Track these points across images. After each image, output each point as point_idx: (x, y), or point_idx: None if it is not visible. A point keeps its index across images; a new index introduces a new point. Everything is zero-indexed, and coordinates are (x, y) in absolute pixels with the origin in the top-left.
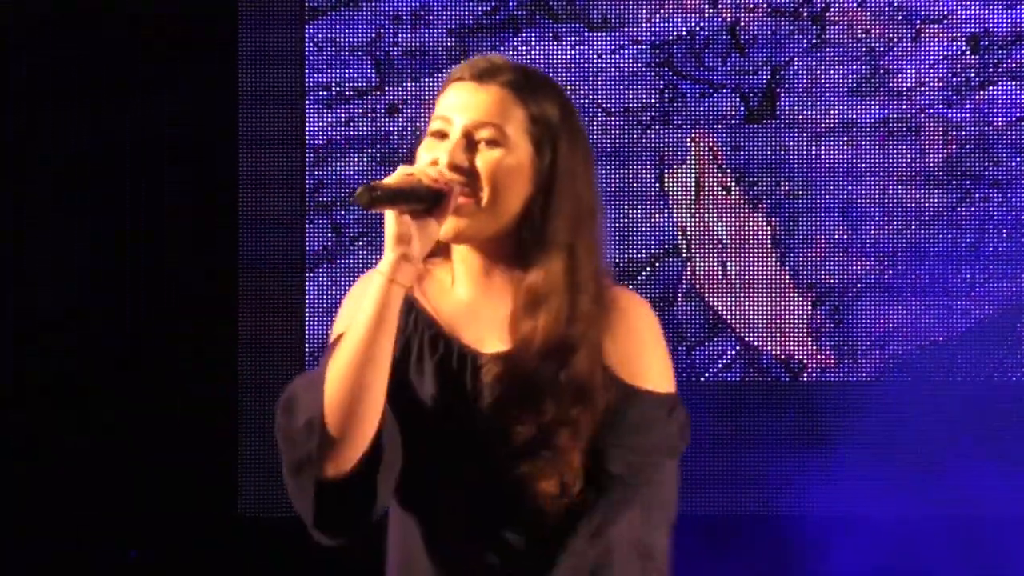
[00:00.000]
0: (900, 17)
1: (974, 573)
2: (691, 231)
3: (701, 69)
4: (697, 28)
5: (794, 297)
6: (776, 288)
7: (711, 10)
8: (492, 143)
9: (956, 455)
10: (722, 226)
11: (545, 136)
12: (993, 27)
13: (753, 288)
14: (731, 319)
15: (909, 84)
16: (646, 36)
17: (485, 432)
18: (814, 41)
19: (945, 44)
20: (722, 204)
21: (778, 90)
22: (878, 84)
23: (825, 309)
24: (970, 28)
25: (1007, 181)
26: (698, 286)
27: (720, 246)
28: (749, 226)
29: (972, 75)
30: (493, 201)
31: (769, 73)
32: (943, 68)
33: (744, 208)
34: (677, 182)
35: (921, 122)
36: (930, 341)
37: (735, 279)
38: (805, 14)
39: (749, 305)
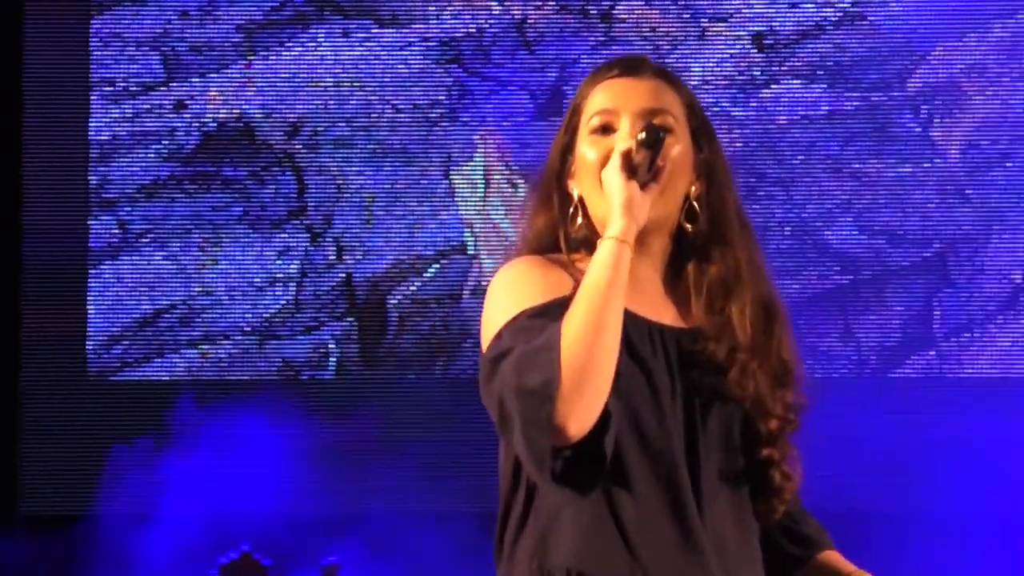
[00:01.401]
0: (687, 15)
1: None
2: (479, 228)
3: (489, 66)
4: (486, 25)
5: None
6: None
7: (499, 8)
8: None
9: None
10: (509, 223)
11: (698, 126)
12: (778, 26)
13: None
14: None
15: (695, 82)
16: (435, 33)
17: (728, 416)
18: (602, 39)
19: (731, 42)
20: (509, 201)
21: (565, 88)
22: None
23: None
24: (755, 27)
25: (791, 179)
26: (484, 283)
27: (507, 243)
28: None
29: (757, 73)
30: (669, 187)
31: (557, 71)
32: (729, 66)
33: None
34: (465, 179)
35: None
36: None
37: None
38: (593, 12)
39: None
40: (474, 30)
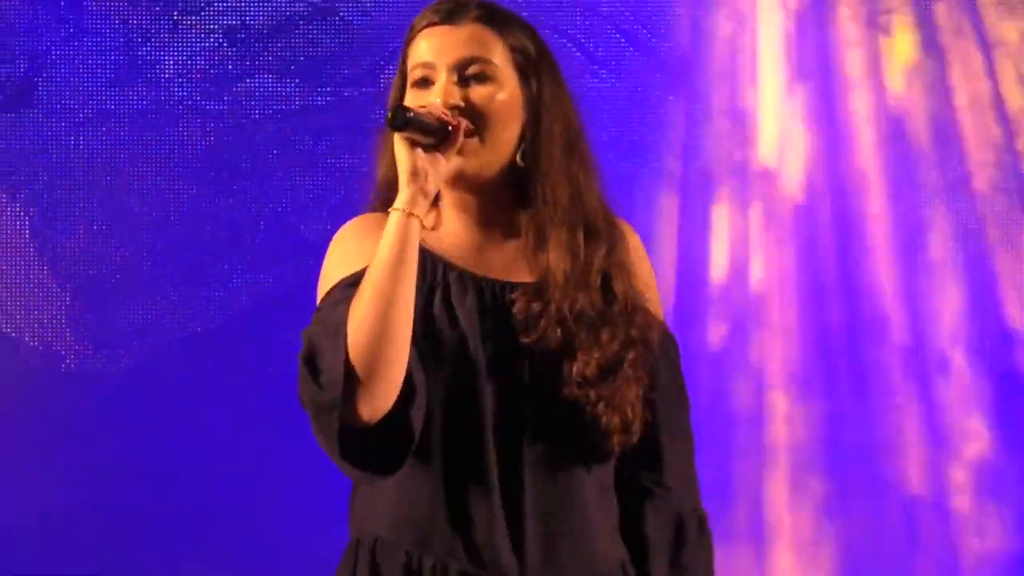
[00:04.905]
0: (158, 8)
1: None
2: None
3: None
4: None
5: (52, 288)
6: (34, 279)
7: None
8: (482, 78)
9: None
10: None
11: (527, 65)
12: (250, 19)
13: (12, 280)
14: None
15: (168, 75)
16: None
17: (543, 367)
18: (72, 30)
19: (203, 36)
20: None
21: (37, 79)
22: (136, 74)
23: (84, 299)
24: (227, 20)
25: (264, 173)
26: None
27: None
28: (6, 217)
29: (230, 67)
30: (493, 137)
31: (27, 62)
32: (201, 60)
33: (1, 199)
34: None
35: (180, 113)
36: (190, 332)
37: None
38: (62, 3)
39: (8, 296)
40: None
